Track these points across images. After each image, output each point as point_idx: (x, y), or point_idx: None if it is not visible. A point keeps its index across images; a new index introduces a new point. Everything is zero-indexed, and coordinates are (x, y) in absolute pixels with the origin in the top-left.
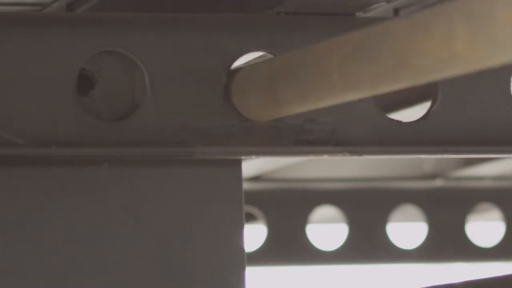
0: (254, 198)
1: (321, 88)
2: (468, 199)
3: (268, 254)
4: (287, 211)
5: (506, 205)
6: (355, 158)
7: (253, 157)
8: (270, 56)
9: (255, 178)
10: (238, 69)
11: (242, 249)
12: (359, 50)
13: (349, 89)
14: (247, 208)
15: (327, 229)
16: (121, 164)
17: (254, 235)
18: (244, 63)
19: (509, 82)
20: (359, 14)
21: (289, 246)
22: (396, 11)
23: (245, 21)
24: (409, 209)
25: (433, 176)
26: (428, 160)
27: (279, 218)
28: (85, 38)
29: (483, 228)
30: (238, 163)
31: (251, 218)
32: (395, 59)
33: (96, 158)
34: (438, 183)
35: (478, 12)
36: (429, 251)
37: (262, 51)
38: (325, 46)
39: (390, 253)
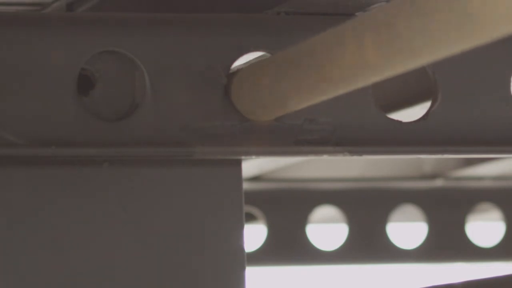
0: (254, 198)
1: (254, 103)
2: (468, 199)
3: (268, 254)
4: (287, 211)
5: (506, 205)
6: (355, 158)
7: (253, 157)
8: (270, 56)
9: (255, 178)
10: (238, 69)
11: (242, 249)
12: (285, 68)
13: (279, 104)
14: (247, 208)
15: (327, 229)
16: (121, 164)
17: (254, 235)
18: (244, 63)
19: (509, 82)
20: (359, 14)
21: (289, 246)
22: None
23: (245, 21)
24: (409, 209)
25: (433, 176)
26: (428, 160)
27: (279, 218)
28: (85, 38)
29: (483, 228)
30: (238, 163)
31: (251, 218)
32: (317, 73)
33: (96, 158)
34: (438, 183)
35: (382, 24)
36: (429, 251)
37: (262, 51)
38: (258, 65)
39: (390, 253)
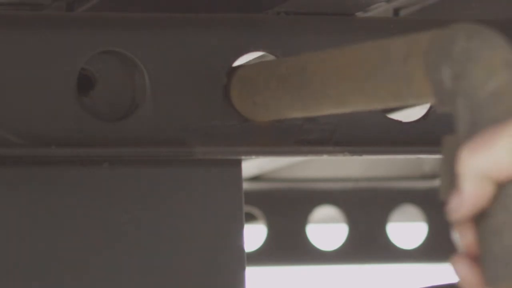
0: (254, 198)
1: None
2: None
3: (268, 254)
4: (287, 211)
5: None
6: (355, 158)
7: (253, 157)
8: (270, 56)
9: (255, 178)
10: (238, 69)
11: (242, 249)
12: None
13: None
14: (247, 208)
15: (327, 229)
16: (121, 164)
17: (254, 235)
18: (244, 63)
19: None
20: (359, 14)
21: (289, 246)
22: (396, 11)
23: (245, 21)
24: (409, 209)
25: (433, 176)
26: (428, 160)
27: (279, 218)
28: (85, 38)
29: None
30: (238, 163)
31: (251, 218)
32: None
33: (96, 158)
34: (438, 183)
35: (249, 77)
36: (429, 251)
37: (262, 51)
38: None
39: (390, 253)
